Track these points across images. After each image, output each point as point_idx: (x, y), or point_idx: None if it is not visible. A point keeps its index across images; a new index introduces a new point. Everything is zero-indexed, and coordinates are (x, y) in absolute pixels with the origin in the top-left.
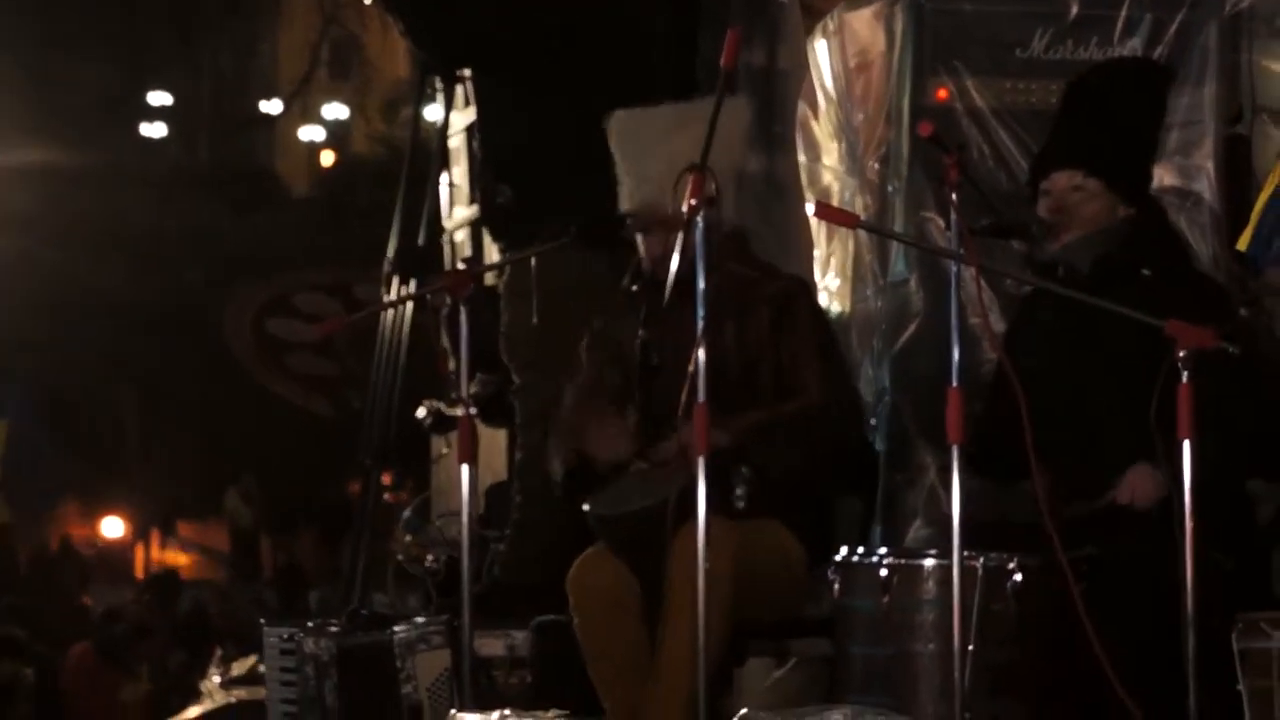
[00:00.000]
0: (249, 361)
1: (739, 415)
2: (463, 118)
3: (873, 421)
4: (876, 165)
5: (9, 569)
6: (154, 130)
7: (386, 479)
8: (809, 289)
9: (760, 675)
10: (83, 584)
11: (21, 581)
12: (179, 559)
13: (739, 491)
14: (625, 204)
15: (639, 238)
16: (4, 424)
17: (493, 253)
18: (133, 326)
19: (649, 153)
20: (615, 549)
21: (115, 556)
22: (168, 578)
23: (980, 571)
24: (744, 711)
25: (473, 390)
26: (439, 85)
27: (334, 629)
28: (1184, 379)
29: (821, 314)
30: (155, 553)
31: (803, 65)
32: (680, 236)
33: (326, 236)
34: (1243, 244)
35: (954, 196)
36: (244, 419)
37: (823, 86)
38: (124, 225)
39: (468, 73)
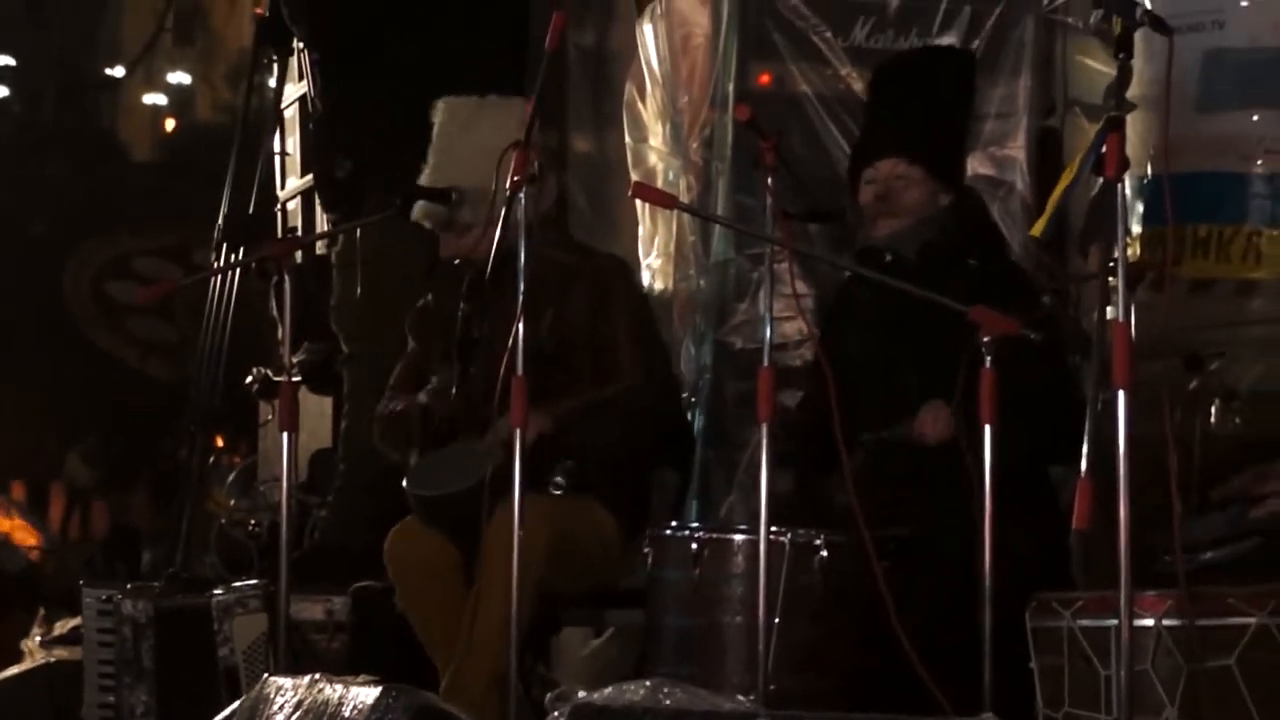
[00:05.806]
0: (88, 323)
1: (558, 399)
2: (297, 89)
3: (692, 399)
4: (700, 147)
5: None
6: None
7: (220, 443)
8: (626, 269)
9: (577, 645)
10: None
11: None
12: (12, 521)
13: (559, 480)
14: (425, 183)
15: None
16: None
17: (325, 223)
18: None
19: (459, 138)
20: (433, 526)
21: None
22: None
23: (788, 547)
24: (549, 695)
25: (299, 358)
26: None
27: (153, 591)
28: (987, 364)
29: (639, 294)
30: None
31: (633, 47)
32: (502, 213)
33: (168, 202)
34: (1037, 230)
35: (769, 181)
36: (82, 380)
37: (649, 68)
38: None
39: (301, 45)
